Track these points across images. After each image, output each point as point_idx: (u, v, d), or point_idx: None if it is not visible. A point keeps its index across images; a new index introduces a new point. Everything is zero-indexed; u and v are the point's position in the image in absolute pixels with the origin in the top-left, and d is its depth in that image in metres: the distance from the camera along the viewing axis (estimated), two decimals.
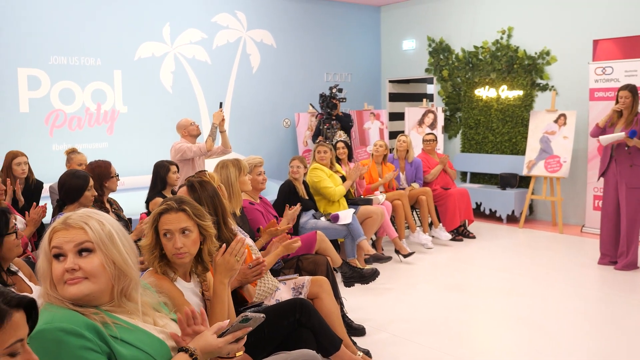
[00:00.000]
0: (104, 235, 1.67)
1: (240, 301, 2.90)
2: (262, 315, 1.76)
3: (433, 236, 6.94)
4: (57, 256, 1.63)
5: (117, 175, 4.47)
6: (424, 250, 6.59)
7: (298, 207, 4.40)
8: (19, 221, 4.10)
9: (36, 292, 2.78)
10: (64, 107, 7.28)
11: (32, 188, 5.43)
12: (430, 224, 7.16)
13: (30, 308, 1.32)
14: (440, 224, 6.98)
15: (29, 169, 5.43)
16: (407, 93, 10.53)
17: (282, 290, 3.35)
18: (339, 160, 6.57)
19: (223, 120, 6.06)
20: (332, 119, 8.28)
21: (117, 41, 7.58)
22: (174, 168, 4.96)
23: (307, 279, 3.42)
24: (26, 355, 1.27)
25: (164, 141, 6.82)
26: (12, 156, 5.31)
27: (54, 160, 6.70)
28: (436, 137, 7.63)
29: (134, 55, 7.74)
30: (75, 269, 1.61)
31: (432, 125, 8.89)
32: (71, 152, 5.50)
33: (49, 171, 6.16)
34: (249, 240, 3.41)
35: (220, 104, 6.15)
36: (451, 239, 6.95)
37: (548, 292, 5.06)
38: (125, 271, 1.71)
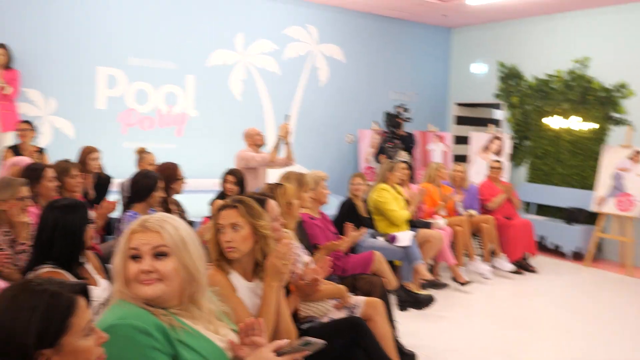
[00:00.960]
0: (178, 240, 1.73)
1: (293, 315, 2.88)
2: (324, 342, 1.77)
3: (493, 266, 6.76)
4: (134, 257, 1.69)
5: (184, 178, 4.57)
6: (483, 280, 6.42)
7: (364, 230, 4.35)
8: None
9: (102, 285, 2.86)
10: (138, 106, 7.53)
11: (102, 182, 5.62)
12: (492, 254, 6.97)
13: (86, 293, 1.39)
14: (503, 255, 6.79)
15: (100, 164, 5.63)
16: (473, 117, 10.37)
17: (335, 310, 3.32)
18: (400, 182, 6.50)
19: (288, 132, 6.13)
20: (395, 138, 8.23)
21: (192, 47, 7.79)
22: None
23: (361, 299, 3.38)
24: (97, 334, 1.36)
25: (229, 147, 6.93)
26: (88, 151, 5.53)
27: (123, 157, 6.92)
28: (502, 165, 7.47)
29: (206, 62, 7.93)
30: (151, 271, 1.67)
31: (498, 152, 8.71)
32: (141, 152, 5.68)
33: (118, 167, 6.36)
34: (306, 258, 3.42)
35: (287, 116, 6.22)
36: (513, 271, 6.74)
37: (610, 338, 4.82)
38: (195, 276, 1.76)
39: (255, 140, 6.13)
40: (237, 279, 2.39)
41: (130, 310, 1.64)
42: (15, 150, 6.02)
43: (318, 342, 1.76)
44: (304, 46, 8.73)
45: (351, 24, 9.12)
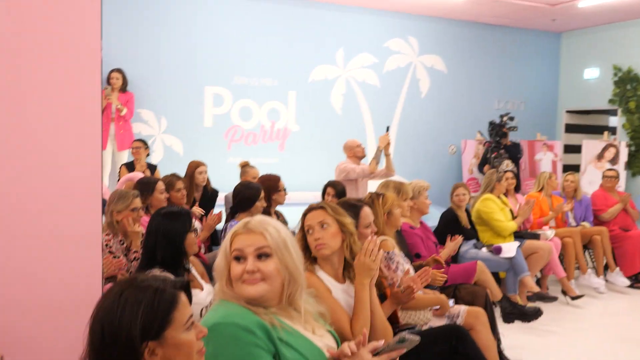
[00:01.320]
0: (280, 242, 1.79)
1: (393, 321, 2.85)
2: (418, 337, 1.74)
3: (607, 280, 6.34)
4: (237, 258, 1.76)
5: (285, 190, 4.68)
6: (595, 294, 6.03)
7: (460, 239, 4.26)
8: (196, 225, 4.46)
9: (206, 290, 2.98)
10: (242, 123, 7.83)
11: (209, 196, 5.87)
12: (605, 268, 6.54)
13: (187, 289, 1.45)
14: (617, 268, 6.36)
15: (207, 178, 5.89)
16: (586, 125, 9.83)
17: (435, 319, 3.25)
18: (505, 192, 6.27)
19: (388, 144, 6.09)
20: (501, 148, 7.97)
21: (294, 64, 8.01)
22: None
23: (462, 308, 3.29)
24: (198, 328, 1.42)
25: (330, 161, 7.01)
26: (195, 165, 5.79)
27: (229, 172, 7.20)
28: (618, 174, 7.00)
29: (308, 78, 8.11)
30: (255, 271, 1.73)
31: (614, 161, 8.19)
32: (245, 165, 5.88)
33: (224, 182, 6.62)
34: (407, 266, 3.38)
35: (387, 127, 6.20)
36: (629, 286, 6.29)
37: None
38: (296, 277, 1.81)
39: (355, 152, 6.15)
40: (329, 281, 2.43)
41: (233, 310, 1.69)
42: (130, 167, 6.45)
43: (413, 338, 1.74)
44: (404, 58, 8.71)
45: (452, 34, 8.99)
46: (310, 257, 2.48)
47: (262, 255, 1.75)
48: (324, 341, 1.89)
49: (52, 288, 2.03)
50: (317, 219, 2.42)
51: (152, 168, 6.51)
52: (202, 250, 4.47)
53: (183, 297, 1.40)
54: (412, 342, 1.75)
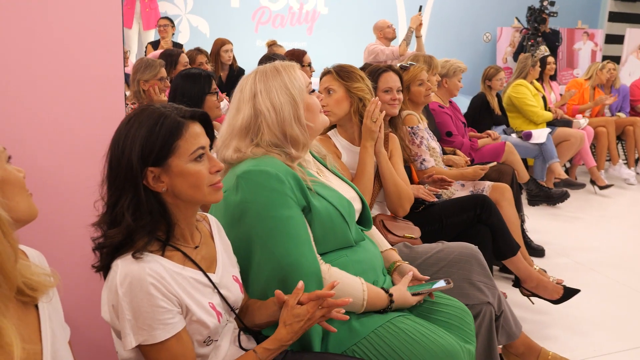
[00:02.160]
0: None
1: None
2: (451, 285, 1.81)
3: (638, 173, 6.23)
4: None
5: (310, 65, 4.57)
6: (625, 186, 5.95)
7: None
8: (224, 103, 4.43)
9: None
10: (270, 4, 7.57)
11: (235, 74, 5.79)
12: (638, 160, 6.41)
13: (205, 122, 1.41)
14: None
15: (233, 57, 5.78)
16: (632, 13, 9.28)
17: (460, 192, 3.24)
18: (540, 78, 6.04)
19: (420, 24, 5.86)
20: (538, 35, 7.62)
21: None
22: None
23: (487, 183, 3.26)
24: (211, 162, 1.38)
25: (360, 45, 6.79)
26: (220, 43, 5.68)
27: (256, 55, 7.04)
28: None
29: None
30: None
31: None
32: (272, 44, 5.74)
33: (251, 65, 6.49)
34: (434, 144, 3.32)
35: (420, 7, 5.94)
36: None
37: None
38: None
39: (385, 33, 5.93)
40: (343, 144, 2.48)
41: (264, 159, 1.65)
42: (156, 46, 6.35)
43: (447, 287, 1.80)
44: None
45: None
46: None
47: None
48: (350, 194, 1.89)
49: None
50: (324, 84, 2.46)
51: (178, 47, 6.41)
52: None
53: (193, 127, 1.36)
54: (445, 289, 1.81)
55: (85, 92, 1.87)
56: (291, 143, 1.70)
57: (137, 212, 1.30)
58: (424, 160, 3.12)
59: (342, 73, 2.43)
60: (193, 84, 2.83)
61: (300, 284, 1.46)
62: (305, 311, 1.41)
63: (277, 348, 1.42)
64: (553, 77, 6.66)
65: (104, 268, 1.34)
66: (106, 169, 1.34)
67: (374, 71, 2.80)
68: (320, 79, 2.52)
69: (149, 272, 1.27)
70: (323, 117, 1.79)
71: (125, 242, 1.30)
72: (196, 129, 1.37)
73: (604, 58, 8.63)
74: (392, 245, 2.28)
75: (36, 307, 1.11)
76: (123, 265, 1.28)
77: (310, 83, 1.77)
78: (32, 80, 1.78)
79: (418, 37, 5.85)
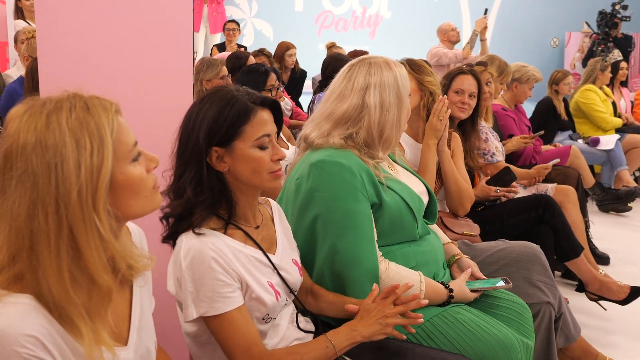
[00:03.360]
0: None
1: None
2: (510, 285, 1.80)
3: None
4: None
5: None
6: None
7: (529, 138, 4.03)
8: (286, 102, 4.52)
9: (291, 150, 3.03)
10: (333, 8, 7.65)
11: (297, 77, 5.88)
12: None
13: (275, 110, 1.45)
14: None
15: (296, 60, 5.88)
16: None
17: (522, 194, 3.19)
18: (610, 82, 5.84)
19: (485, 28, 5.82)
20: (609, 40, 7.39)
21: None
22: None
23: (551, 185, 3.20)
24: (275, 150, 1.41)
25: (423, 48, 6.78)
26: (285, 47, 5.80)
27: (318, 58, 7.12)
28: None
29: None
30: None
31: None
32: (331, 47, 5.80)
33: (313, 68, 6.58)
34: (497, 143, 3.28)
35: (486, 10, 5.88)
36: None
37: None
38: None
39: (449, 37, 5.90)
40: (406, 140, 2.44)
41: (339, 151, 1.67)
42: (221, 48, 6.53)
43: (506, 286, 1.80)
44: None
45: None
46: None
47: None
48: (419, 188, 1.89)
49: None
50: None
51: (242, 48, 6.56)
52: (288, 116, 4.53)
53: (262, 113, 1.39)
54: (503, 288, 1.81)
55: (158, 87, 1.95)
56: (383, 144, 1.71)
57: (198, 187, 1.35)
58: (493, 154, 3.10)
59: (414, 66, 2.40)
60: (249, 78, 2.91)
61: (375, 287, 1.50)
62: (374, 306, 1.45)
63: (349, 336, 1.43)
64: (624, 84, 6.44)
65: (169, 238, 1.40)
66: (177, 141, 1.39)
67: (452, 71, 2.79)
68: None
69: (210, 246, 1.31)
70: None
71: (185, 214, 1.35)
72: (264, 116, 1.40)
73: None
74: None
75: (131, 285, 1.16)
76: (187, 240, 1.33)
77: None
78: (113, 76, 1.88)
79: (483, 40, 5.79)
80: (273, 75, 3.04)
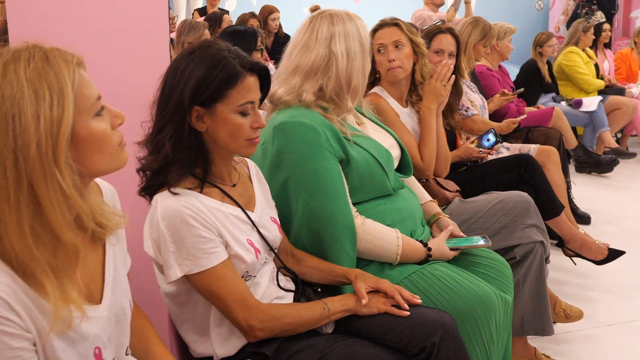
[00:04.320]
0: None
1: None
2: (490, 243, 1.82)
3: None
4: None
5: None
6: None
7: (510, 95, 4.03)
8: (270, 67, 4.47)
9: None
10: None
11: (281, 41, 5.81)
12: None
13: (263, 76, 1.43)
14: None
15: (279, 24, 5.80)
16: None
17: (505, 154, 3.20)
18: (594, 44, 5.83)
19: None
20: (593, 3, 7.34)
21: None
22: None
23: (533, 146, 3.21)
24: (255, 117, 1.39)
25: (408, 12, 6.68)
26: (268, 11, 5.71)
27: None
28: None
29: None
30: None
31: None
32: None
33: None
34: (474, 96, 3.28)
35: None
36: None
37: None
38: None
39: None
40: (394, 105, 2.38)
41: (301, 110, 1.66)
42: (202, 12, 6.40)
43: (485, 244, 1.82)
44: None
45: None
46: (374, 83, 2.41)
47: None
48: (388, 142, 1.90)
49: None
50: (391, 37, 2.27)
51: (225, 12, 6.45)
52: None
53: (250, 79, 1.37)
54: (483, 247, 1.82)
55: (131, 45, 1.91)
56: (352, 93, 1.71)
57: (177, 144, 1.33)
58: (467, 108, 3.10)
59: (408, 27, 2.32)
60: (238, 40, 2.86)
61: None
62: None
63: (343, 303, 1.48)
64: (608, 46, 6.44)
65: (145, 190, 1.39)
66: (159, 93, 1.36)
67: (431, 31, 2.75)
68: (376, 30, 2.31)
69: (185, 204, 1.30)
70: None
71: (161, 170, 1.34)
72: (251, 82, 1.37)
73: None
74: (449, 201, 2.30)
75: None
76: (162, 200, 1.32)
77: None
78: (86, 36, 1.83)
79: (467, 3, 5.75)
80: (260, 36, 3.00)
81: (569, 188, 3.72)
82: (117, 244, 1.17)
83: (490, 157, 2.86)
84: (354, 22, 1.72)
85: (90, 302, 1.04)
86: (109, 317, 1.08)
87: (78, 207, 0.97)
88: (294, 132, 1.61)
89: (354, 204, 1.69)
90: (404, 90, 2.42)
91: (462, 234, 1.91)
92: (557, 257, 2.96)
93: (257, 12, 5.92)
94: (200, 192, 1.37)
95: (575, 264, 2.88)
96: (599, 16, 7.05)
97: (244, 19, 4.78)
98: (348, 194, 1.67)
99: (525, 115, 3.50)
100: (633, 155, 5.05)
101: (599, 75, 5.51)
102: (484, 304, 1.59)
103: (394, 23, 2.30)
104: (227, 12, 6.54)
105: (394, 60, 2.25)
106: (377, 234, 1.66)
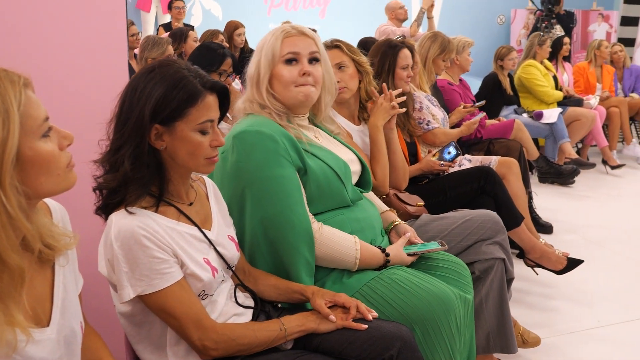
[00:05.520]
0: (324, 50, 1.79)
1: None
2: (446, 247, 1.86)
3: None
4: (289, 61, 1.72)
5: None
6: (637, 165, 5.90)
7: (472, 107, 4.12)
8: (236, 82, 4.46)
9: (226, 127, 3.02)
10: None
11: (247, 56, 5.80)
12: None
13: (223, 95, 1.44)
14: None
15: (245, 39, 5.82)
16: None
17: (467, 166, 3.25)
18: (554, 57, 5.98)
19: (432, 5, 5.84)
20: (552, 17, 7.53)
21: None
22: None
23: (494, 158, 3.27)
24: (214, 136, 1.39)
25: (372, 27, 6.78)
26: (233, 27, 5.72)
27: None
28: None
29: None
30: (310, 74, 1.72)
31: None
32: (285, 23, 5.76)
33: None
34: (436, 110, 3.33)
35: None
36: None
37: None
38: (331, 87, 1.85)
39: (397, 14, 5.92)
40: (346, 124, 2.40)
41: (259, 120, 1.70)
42: (168, 28, 6.39)
43: (443, 248, 1.85)
44: None
45: None
46: None
47: (313, 60, 1.74)
48: (348, 156, 1.91)
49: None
50: (333, 60, 2.27)
51: (190, 29, 6.44)
52: None
53: (210, 98, 1.37)
54: (439, 251, 1.86)
55: (88, 63, 1.90)
56: (284, 102, 1.75)
57: (136, 163, 1.32)
58: (428, 122, 3.14)
59: (350, 48, 2.35)
60: (203, 56, 2.86)
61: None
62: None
63: (300, 323, 1.48)
64: (567, 59, 6.61)
65: (101, 210, 1.38)
66: (117, 110, 1.36)
67: (393, 46, 2.79)
68: None
69: (139, 224, 1.29)
70: (297, 92, 1.72)
71: (119, 188, 1.33)
72: (211, 101, 1.38)
73: (619, 40, 8.51)
74: (412, 215, 2.32)
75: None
76: (117, 220, 1.31)
77: (292, 53, 1.70)
78: (37, 50, 1.81)
79: (430, 18, 5.83)
80: (229, 61, 2.98)
81: (530, 198, 3.80)
82: (67, 265, 1.15)
83: (451, 170, 2.91)
84: (267, 36, 1.76)
85: (37, 325, 1.02)
86: (57, 340, 1.06)
87: (24, 229, 0.96)
88: (252, 141, 1.64)
89: (312, 214, 1.70)
90: (354, 108, 2.45)
91: (420, 240, 1.93)
92: (519, 267, 3.01)
93: (222, 25, 5.93)
94: (156, 211, 1.36)
95: (537, 274, 2.92)
96: (558, 30, 7.25)
97: (213, 33, 4.77)
98: (306, 203, 1.68)
99: (484, 114, 3.55)
100: (593, 165, 5.17)
101: (557, 87, 5.64)
102: (443, 303, 1.60)
103: (335, 45, 2.34)
104: (193, 27, 6.55)
105: (338, 82, 2.24)
106: (335, 238, 1.68)
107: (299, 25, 1.79)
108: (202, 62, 2.86)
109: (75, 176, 1.07)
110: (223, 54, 3.01)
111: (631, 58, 7.29)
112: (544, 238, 3.04)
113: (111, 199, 1.36)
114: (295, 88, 1.72)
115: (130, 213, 1.31)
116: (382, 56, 2.78)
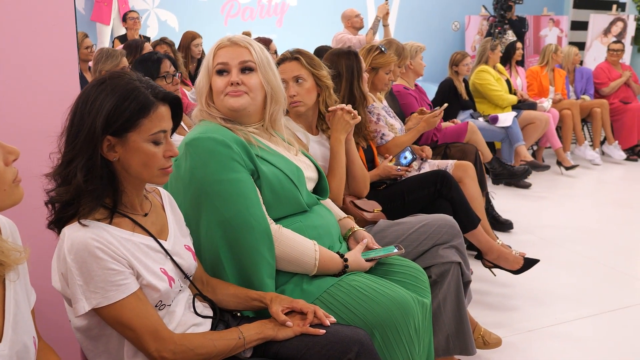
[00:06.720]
0: (264, 58, 1.77)
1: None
2: (403, 250, 1.90)
3: (604, 153, 6.38)
4: (220, 72, 1.74)
5: (276, 53, 4.60)
6: (590, 166, 6.09)
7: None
8: (192, 92, 4.44)
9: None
10: None
11: None
12: (603, 141, 6.56)
13: (175, 106, 1.44)
14: (616, 142, 6.36)
15: (202, 50, 5.78)
16: (596, 0, 9.45)
17: (424, 170, 3.29)
18: (507, 61, 6.12)
19: (387, 13, 5.92)
20: (505, 23, 7.72)
21: None
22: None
23: (451, 162, 3.32)
24: (168, 146, 1.39)
25: (330, 35, 6.83)
26: (190, 37, 5.68)
27: None
28: (624, 47, 6.83)
29: None
30: (239, 83, 1.72)
31: (620, 36, 7.95)
32: (246, 34, 5.76)
33: None
34: (393, 121, 3.36)
35: None
36: (625, 159, 6.32)
37: None
38: (277, 96, 1.82)
39: (353, 23, 5.97)
40: (297, 127, 2.38)
41: (210, 127, 1.72)
42: (123, 39, 6.31)
43: (400, 252, 1.88)
44: None
45: None
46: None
47: (246, 69, 1.74)
48: (304, 162, 1.92)
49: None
50: (292, 72, 2.25)
51: (146, 40, 6.38)
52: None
53: (162, 109, 1.38)
54: (397, 254, 1.89)
55: (38, 77, 1.87)
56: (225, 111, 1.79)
57: (89, 175, 1.31)
58: (383, 135, 3.16)
59: (310, 61, 2.29)
60: (143, 67, 2.85)
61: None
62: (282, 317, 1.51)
63: (259, 330, 1.48)
64: (521, 63, 6.77)
65: (54, 224, 1.36)
66: (68, 122, 1.34)
67: (355, 55, 2.80)
68: (279, 64, 2.28)
69: (92, 236, 1.28)
70: (228, 101, 1.74)
71: (72, 201, 1.32)
72: (163, 111, 1.38)
73: (570, 44, 8.77)
74: (370, 221, 2.34)
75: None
76: (69, 233, 1.29)
77: (221, 64, 1.73)
78: None
79: (385, 25, 5.90)
80: (167, 62, 2.98)
81: (488, 200, 3.87)
82: (17, 280, 1.13)
83: (409, 174, 2.95)
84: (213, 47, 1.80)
85: None
86: (10, 356, 1.04)
87: None
88: (205, 146, 1.65)
89: None
90: (312, 119, 2.41)
91: (377, 245, 1.96)
92: (478, 268, 3.07)
93: (179, 36, 5.89)
94: (110, 223, 1.35)
95: (495, 275, 2.98)
96: (511, 35, 7.42)
97: (155, 46, 4.74)
98: (263, 205, 1.69)
99: (446, 105, 3.58)
100: (547, 167, 5.31)
101: (511, 91, 5.78)
102: (402, 308, 1.63)
103: (295, 57, 2.28)
104: (149, 39, 6.49)
105: (294, 95, 2.25)
106: (295, 238, 1.71)
107: (237, 35, 1.80)
108: (144, 74, 2.85)
109: (22, 191, 1.05)
110: (157, 58, 3.02)
111: (582, 62, 7.52)
112: (501, 239, 3.12)
113: (64, 212, 1.34)
114: (225, 97, 1.74)
115: (84, 225, 1.29)
116: (347, 63, 2.78)
